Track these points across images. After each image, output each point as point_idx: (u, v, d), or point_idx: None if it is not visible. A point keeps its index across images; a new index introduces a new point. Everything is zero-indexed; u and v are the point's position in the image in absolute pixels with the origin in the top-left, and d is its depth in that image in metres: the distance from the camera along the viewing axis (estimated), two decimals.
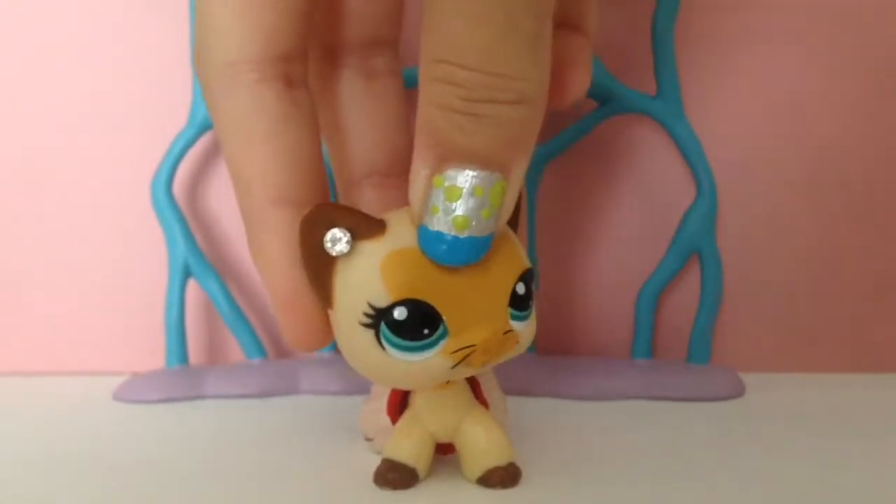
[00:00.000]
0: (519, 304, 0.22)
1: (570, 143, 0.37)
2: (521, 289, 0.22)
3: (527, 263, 0.22)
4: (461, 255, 0.21)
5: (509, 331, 0.21)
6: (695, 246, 0.36)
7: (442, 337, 0.21)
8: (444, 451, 0.25)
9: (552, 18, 0.20)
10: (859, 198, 0.38)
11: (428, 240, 0.21)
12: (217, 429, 0.31)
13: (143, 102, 0.39)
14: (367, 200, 0.25)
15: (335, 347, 0.37)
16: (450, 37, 0.19)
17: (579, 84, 0.25)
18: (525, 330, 0.22)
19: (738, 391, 0.34)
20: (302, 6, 0.23)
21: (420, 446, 0.24)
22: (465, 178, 0.20)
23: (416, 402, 0.24)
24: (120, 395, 0.35)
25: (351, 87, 0.25)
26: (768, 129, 0.38)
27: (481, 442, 0.24)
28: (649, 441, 0.29)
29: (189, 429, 0.31)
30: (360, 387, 0.34)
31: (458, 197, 0.20)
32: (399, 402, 0.25)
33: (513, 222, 0.23)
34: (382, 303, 0.21)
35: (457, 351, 0.21)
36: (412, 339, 0.21)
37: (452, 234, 0.20)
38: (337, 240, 0.21)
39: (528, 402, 0.34)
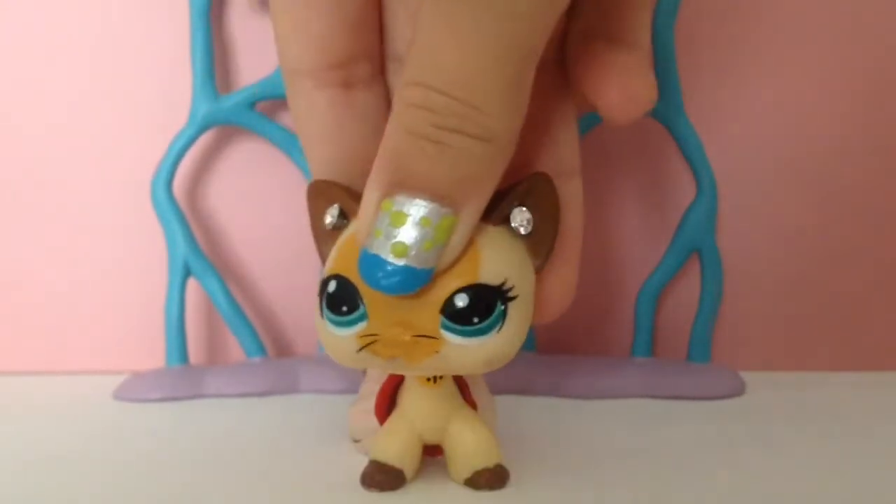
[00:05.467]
0: (456, 316, 0.21)
1: None
2: (461, 300, 0.21)
3: (482, 278, 0.21)
4: (394, 283, 0.20)
5: (429, 337, 0.21)
6: (695, 245, 0.36)
7: (360, 319, 0.21)
8: (433, 453, 0.25)
9: (537, 66, 0.20)
10: (859, 197, 0.38)
11: (365, 263, 0.20)
12: (217, 428, 0.31)
13: (143, 101, 0.39)
14: None
15: None
16: (434, 62, 0.19)
17: (622, 91, 0.22)
18: (470, 347, 0.21)
19: (737, 390, 0.34)
20: (354, 16, 0.23)
21: (407, 448, 0.24)
22: (414, 207, 0.20)
23: (404, 403, 0.24)
24: (120, 395, 0.35)
25: (327, 96, 0.24)
26: (768, 128, 0.38)
27: (469, 443, 0.24)
28: (649, 440, 0.29)
29: (189, 428, 0.31)
30: (359, 386, 0.34)
31: (403, 223, 0.20)
32: (386, 404, 0.25)
33: (550, 235, 0.22)
34: (325, 274, 0.22)
35: (364, 336, 0.21)
36: (334, 312, 0.22)
37: (389, 259, 0.20)
38: (328, 215, 0.23)
39: (527, 401, 0.34)
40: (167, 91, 0.38)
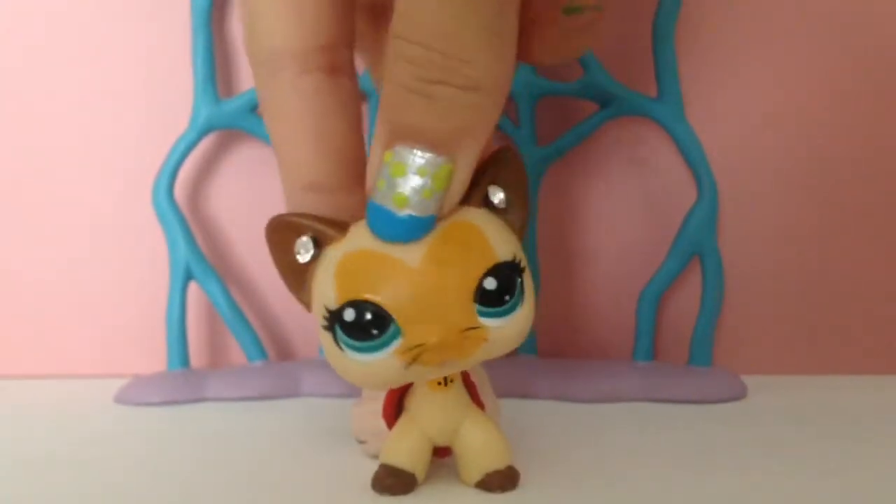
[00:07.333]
0: (489, 299, 0.21)
1: (571, 146, 0.37)
2: (490, 284, 0.21)
3: (500, 257, 0.21)
4: (399, 232, 0.21)
5: (475, 328, 0.21)
6: (696, 248, 0.36)
7: (394, 337, 0.21)
8: (441, 454, 0.25)
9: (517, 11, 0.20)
10: (860, 199, 0.38)
11: (372, 213, 0.21)
12: (218, 431, 0.31)
13: (144, 105, 0.39)
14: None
15: None
16: (411, 14, 0.19)
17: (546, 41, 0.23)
18: (507, 326, 0.21)
19: (739, 393, 0.34)
20: None
21: (418, 450, 0.24)
22: (412, 158, 0.20)
23: (413, 406, 0.24)
24: (121, 398, 0.35)
25: (313, 81, 0.23)
26: (769, 131, 0.38)
27: (479, 445, 0.24)
28: (650, 443, 0.29)
29: (190, 432, 0.31)
30: (360, 389, 0.34)
31: (403, 174, 0.20)
32: (395, 407, 0.25)
33: (521, 205, 0.22)
34: (333, 305, 0.21)
35: (407, 351, 0.21)
36: (362, 339, 0.21)
37: (393, 210, 0.20)
38: (302, 248, 0.22)
39: (528, 405, 0.34)
40: (168, 95, 0.38)
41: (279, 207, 0.38)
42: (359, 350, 0.21)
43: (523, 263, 0.22)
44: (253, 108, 0.37)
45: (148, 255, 0.39)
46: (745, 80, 0.38)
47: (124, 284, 0.40)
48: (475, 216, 0.22)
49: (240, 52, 0.39)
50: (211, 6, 0.37)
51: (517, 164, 0.23)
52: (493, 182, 0.22)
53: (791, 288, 0.38)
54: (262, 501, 0.24)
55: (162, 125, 0.38)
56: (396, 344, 0.21)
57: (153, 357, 0.38)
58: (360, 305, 0.21)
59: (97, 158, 0.39)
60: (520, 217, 0.23)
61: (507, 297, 0.21)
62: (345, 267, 0.21)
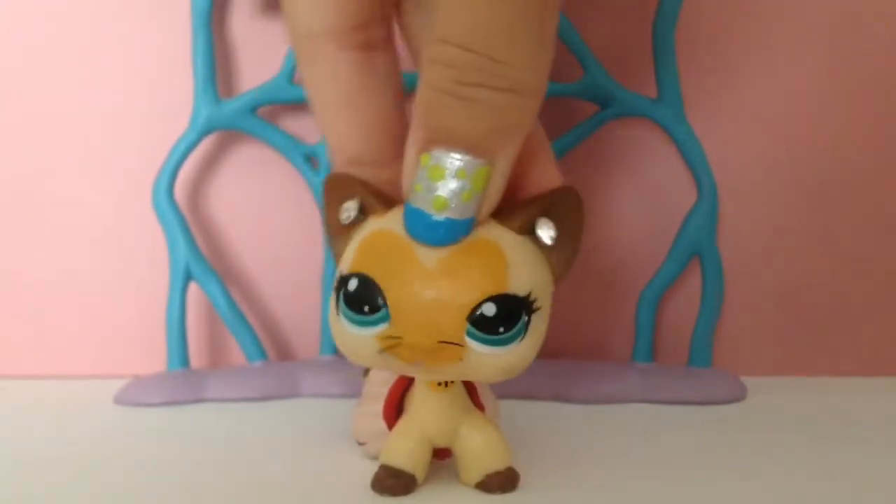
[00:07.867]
0: (482, 325, 0.21)
1: (571, 147, 0.37)
2: (488, 310, 0.21)
3: (512, 288, 0.21)
4: (438, 235, 0.21)
5: (455, 344, 0.21)
6: (696, 249, 0.36)
7: (382, 320, 0.21)
8: (441, 456, 0.25)
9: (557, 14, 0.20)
10: (860, 201, 0.38)
11: (409, 217, 0.21)
12: (218, 432, 0.31)
13: (145, 106, 0.39)
14: None
15: (336, 351, 0.37)
16: (452, 17, 0.19)
17: None
18: (493, 357, 0.21)
19: (739, 395, 0.34)
20: None
21: (418, 452, 0.24)
22: (450, 161, 0.20)
23: (413, 407, 0.24)
24: (121, 399, 0.35)
25: (350, 58, 0.23)
26: (769, 132, 0.38)
27: (479, 446, 0.24)
28: (650, 444, 0.29)
29: (190, 432, 0.31)
30: (361, 390, 0.34)
31: (441, 177, 0.20)
32: (395, 408, 0.25)
33: (571, 249, 0.22)
34: (346, 272, 0.22)
35: (386, 338, 0.21)
36: (354, 311, 0.21)
37: (431, 213, 0.21)
38: (346, 210, 0.23)
39: (529, 406, 0.34)
40: (169, 96, 0.38)
41: (279, 207, 0.39)
42: (349, 319, 0.22)
43: (539, 304, 0.22)
44: (253, 109, 0.37)
45: (148, 255, 0.39)
46: (745, 80, 0.38)
47: (124, 284, 0.40)
48: (507, 240, 0.22)
49: (240, 51, 0.39)
50: (211, 6, 0.37)
51: (577, 207, 0.22)
52: (546, 215, 0.22)
53: (790, 289, 0.38)
54: (262, 501, 0.24)
55: (162, 125, 0.38)
56: (381, 328, 0.21)
57: (153, 357, 0.38)
58: (363, 281, 0.21)
59: (97, 158, 0.39)
60: (565, 259, 0.22)
61: (501, 329, 0.21)
62: (369, 241, 0.22)
